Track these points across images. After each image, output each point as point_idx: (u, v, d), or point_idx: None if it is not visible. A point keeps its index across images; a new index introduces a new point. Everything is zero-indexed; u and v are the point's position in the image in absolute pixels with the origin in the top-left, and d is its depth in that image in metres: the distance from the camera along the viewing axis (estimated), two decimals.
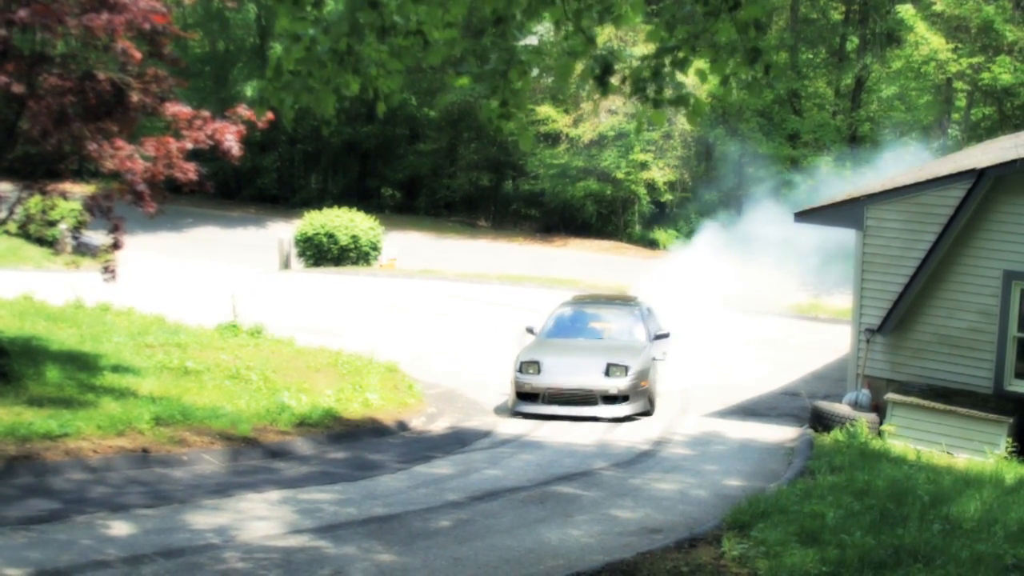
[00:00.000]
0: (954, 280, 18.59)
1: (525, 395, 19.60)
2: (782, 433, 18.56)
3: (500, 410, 19.80)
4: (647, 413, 19.72)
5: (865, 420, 18.00)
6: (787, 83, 44.81)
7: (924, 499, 12.18)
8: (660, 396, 20.70)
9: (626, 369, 19.52)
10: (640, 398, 19.60)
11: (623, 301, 23.31)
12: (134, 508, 11.06)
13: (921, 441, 17.80)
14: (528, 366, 19.74)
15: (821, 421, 18.37)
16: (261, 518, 11.06)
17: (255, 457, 14.36)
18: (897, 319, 18.91)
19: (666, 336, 21.55)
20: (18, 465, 11.90)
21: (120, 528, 10.28)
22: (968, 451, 17.39)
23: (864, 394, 18.99)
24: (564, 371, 19.71)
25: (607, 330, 21.72)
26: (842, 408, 18.61)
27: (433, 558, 10.12)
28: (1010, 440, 17.32)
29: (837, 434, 17.48)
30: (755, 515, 11.52)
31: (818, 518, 11.25)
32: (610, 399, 19.40)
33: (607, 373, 19.52)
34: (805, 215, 20.59)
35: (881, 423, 18.38)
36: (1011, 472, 15.25)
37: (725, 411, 20.28)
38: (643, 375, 19.70)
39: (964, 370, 18.47)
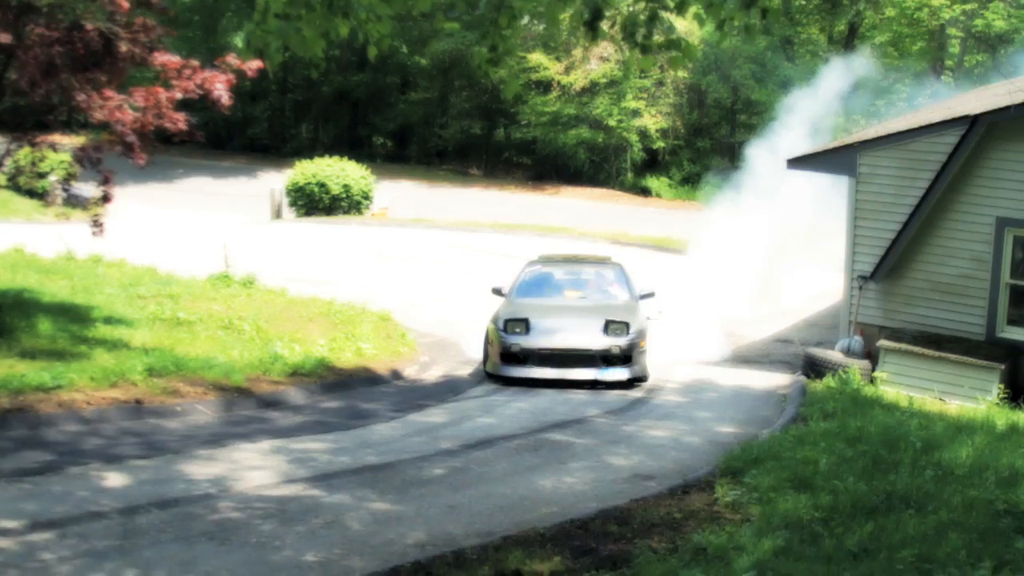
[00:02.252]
0: (947, 227, 18.58)
1: (511, 357, 17.60)
2: (775, 380, 18.60)
3: None
4: (644, 378, 17.92)
5: (858, 367, 18.05)
6: (780, 29, 44.59)
7: (916, 445, 12.22)
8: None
9: (626, 327, 17.70)
10: (640, 360, 17.76)
11: (598, 260, 21.17)
12: (128, 459, 11.07)
13: (913, 388, 17.85)
14: (514, 324, 17.79)
15: (814, 368, 18.42)
16: (255, 468, 11.08)
17: (248, 407, 14.37)
18: (890, 266, 18.91)
19: (651, 295, 19.74)
20: (11, 417, 11.91)
21: (115, 479, 10.29)
22: (960, 397, 17.45)
23: (857, 341, 19.02)
24: (557, 330, 17.81)
25: (588, 290, 19.73)
26: (835, 355, 18.66)
27: (427, 506, 10.15)
28: (1002, 387, 17.37)
29: (830, 381, 17.52)
30: (748, 462, 11.55)
31: (811, 464, 11.29)
32: (610, 360, 17.54)
33: (606, 330, 17.66)
34: (798, 162, 20.54)
35: (873, 370, 18.43)
36: (1003, 418, 15.30)
37: (718, 358, 20.31)
38: (642, 335, 17.86)
39: (956, 317, 18.50)
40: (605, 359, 17.54)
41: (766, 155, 24.58)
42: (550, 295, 19.42)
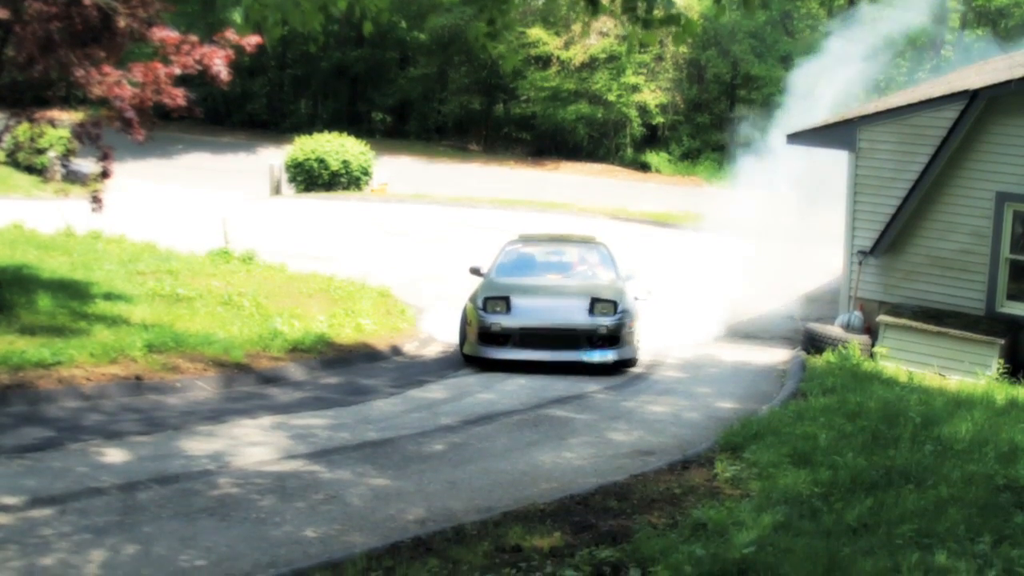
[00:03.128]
0: (947, 202, 18.56)
1: (491, 337, 16.68)
2: (775, 355, 18.62)
3: None
4: (633, 362, 17.20)
5: (857, 342, 18.07)
6: (780, 4, 44.43)
7: (916, 420, 12.23)
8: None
9: (614, 306, 16.81)
10: (629, 342, 16.91)
11: (582, 240, 20.09)
12: (128, 435, 11.08)
13: (913, 363, 17.87)
14: (494, 303, 16.87)
15: (814, 343, 18.44)
16: (255, 444, 11.09)
17: (248, 383, 14.37)
18: (889, 241, 18.91)
19: (632, 277, 18.64)
20: (11, 394, 11.91)
21: (115, 455, 10.30)
22: (960, 372, 17.46)
23: (856, 316, 19.03)
24: (540, 308, 16.97)
25: (571, 269, 18.75)
26: (834, 330, 18.67)
27: (427, 482, 10.16)
28: (1001, 361, 17.39)
29: (829, 356, 17.54)
30: (748, 437, 11.57)
31: (810, 440, 11.30)
32: (597, 341, 16.67)
33: (592, 310, 16.77)
34: (797, 137, 20.50)
35: (873, 345, 18.44)
36: (1002, 393, 15.32)
37: (718, 334, 20.31)
38: (630, 315, 16.95)
39: (956, 292, 18.51)
40: (590, 340, 16.67)
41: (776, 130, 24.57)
42: (531, 275, 18.41)
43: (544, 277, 18.32)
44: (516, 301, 16.92)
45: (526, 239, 19.83)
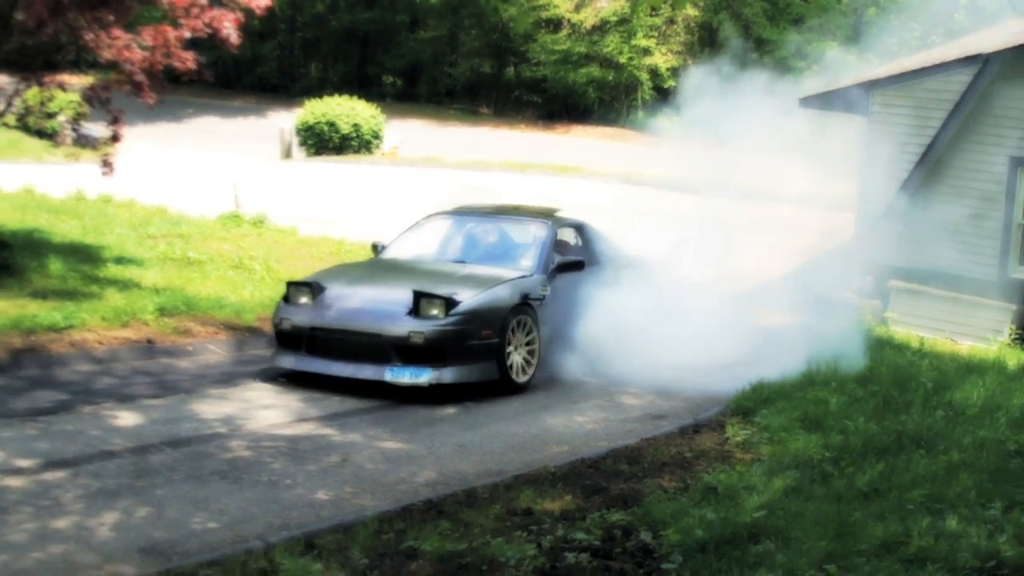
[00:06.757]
0: (960, 166, 18.50)
1: (285, 338, 12.48)
2: (786, 319, 18.56)
3: None
4: (503, 382, 12.36)
5: (868, 307, 18.03)
6: None
7: (927, 385, 12.23)
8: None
9: (446, 303, 11.95)
10: (473, 357, 12.04)
11: (527, 216, 14.87)
12: (140, 399, 11.11)
13: (924, 328, 17.84)
14: (299, 292, 12.65)
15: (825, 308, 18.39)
16: (267, 407, 11.12)
17: (259, 347, 14.35)
18: (901, 205, 18.83)
19: (576, 266, 13.74)
20: (24, 357, 11.93)
21: (127, 418, 10.34)
22: (972, 338, 17.44)
23: (868, 281, 18.98)
24: (351, 303, 12.38)
25: (481, 252, 14.10)
26: (846, 295, 18.62)
27: (438, 445, 10.19)
28: (1014, 327, 17.37)
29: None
30: (759, 401, 11.59)
31: (821, 404, 11.31)
32: (410, 352, 11.85)
33: (414, 309, 12.00)
34: (809, 100, 20.40)
35: (884, 310, 18.40)
36: (1014, 359, 15.32)
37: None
38: (484, 318, 12.16)
39: (969, 257, 18.46)
40: (401, 351, 11.89)
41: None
42: (421, 257, 14.19)
43: (420, 264, 13.85)
44: (330, 290, 12.64)
45: (457, 210, 15.44)
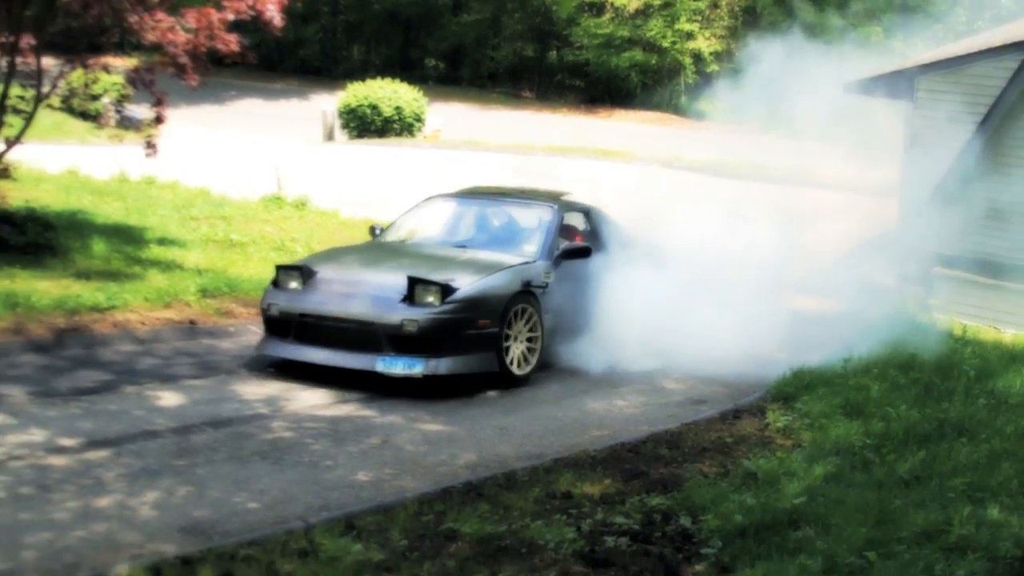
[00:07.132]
0: (1005, 153, 18.30)
1: (274, 324, 11.96)
2: (828, 305, 18.46)
3: None
4: (503, 374, 11.81)
5: (912, 294, 17.90)
6: None
7: (970, 373, 12.14)
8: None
9: (443, 290, 11.37)
10: (470, 347, 11.47)
11: (533, 199, 14.13)
12: (182, 379, 11.18)
13: (967, 315, 17.69)
14: (288, 276, 12.07)
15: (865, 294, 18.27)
16: (308, 388, 11.15)
17: None
18: (946, 192, 18.67)
19: (582, 253, 13.14)
20: (67, 337, 12.03)
21: (169, 399, 10.41)
22: (1015, 326, 17.28)
23: (911, 268, 18.84)
24: (342, 288, 11.80)
25: (483, 236, 13.54)
26: (887, 281, 18.49)
27: (479, 428, 10.21)
28: None
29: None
30: (800, 387, 11.55)
31: (863, 391, 11.26)
32: (403, 342, 11.27)
33: (409, 296, 11.40)
34: (853, 86, 20.25)
35: (927, 297, 18.26)
36: None
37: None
38: (482, 306, 11.60)
39: (1013, 244, 18.27)
40: (393, 340, 11.32)
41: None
42: (420, 241, 13.60)
43: (417, 248, 13.27)
44: (321, 274, 12.09)
45: (461, 193, 14.94)
